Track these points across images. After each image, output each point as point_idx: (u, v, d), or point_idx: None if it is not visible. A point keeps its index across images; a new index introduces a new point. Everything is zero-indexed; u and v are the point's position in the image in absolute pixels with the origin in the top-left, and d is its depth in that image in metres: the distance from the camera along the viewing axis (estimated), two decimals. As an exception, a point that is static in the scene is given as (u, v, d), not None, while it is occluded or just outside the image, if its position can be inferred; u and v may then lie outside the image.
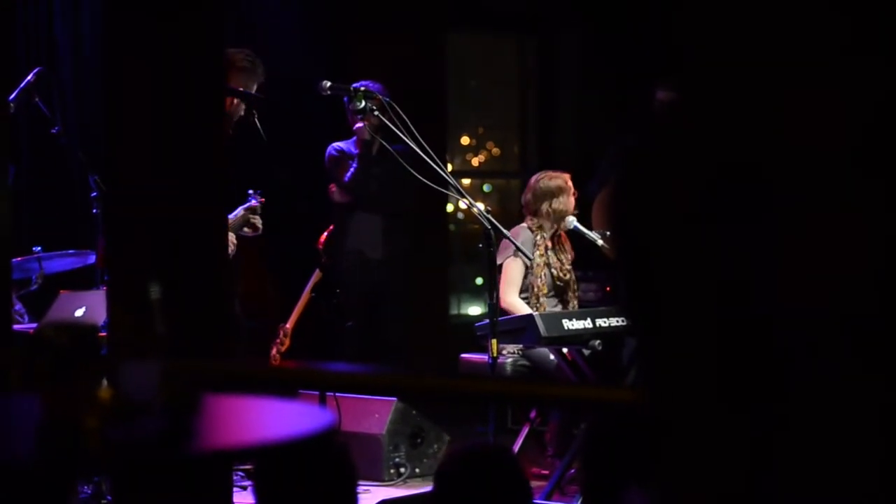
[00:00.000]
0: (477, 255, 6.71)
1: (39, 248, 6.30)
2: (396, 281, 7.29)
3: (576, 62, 9.60)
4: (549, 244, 6.47)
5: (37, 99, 6.01)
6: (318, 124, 7.99)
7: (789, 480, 1.00)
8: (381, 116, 5.85)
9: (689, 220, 1.04)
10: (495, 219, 5.80)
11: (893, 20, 0.98)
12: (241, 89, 6.06)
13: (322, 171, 7.20)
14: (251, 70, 6.15)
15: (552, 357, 6.12)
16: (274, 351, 6.82)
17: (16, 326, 5.62)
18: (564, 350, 5.97)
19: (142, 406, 2.11)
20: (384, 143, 6.28)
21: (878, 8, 0.99)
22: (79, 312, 5.73)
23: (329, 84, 5.90)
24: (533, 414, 6.34)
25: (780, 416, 1.00)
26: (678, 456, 1.07)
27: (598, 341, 5.80)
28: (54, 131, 6.08)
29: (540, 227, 6.42)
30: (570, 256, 6.57)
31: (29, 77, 6.02)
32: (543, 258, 6.40)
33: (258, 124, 5.91)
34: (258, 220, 6.23)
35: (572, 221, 6.35)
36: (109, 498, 5.21)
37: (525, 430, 6.23)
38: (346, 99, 6.62)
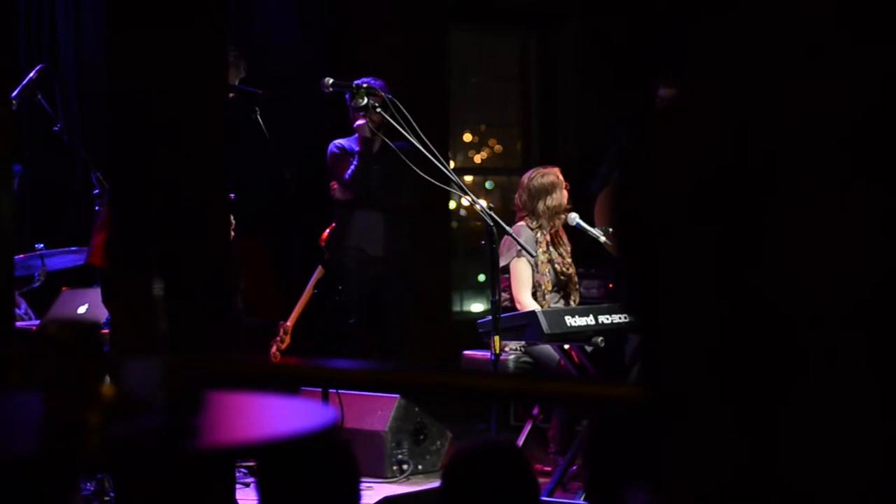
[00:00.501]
0: (479, 251, 6.73)
1: (42, 245, 6.30)
2: (398, 278, 7.29)
3: (577, 58, 9.60)
4: (549, 240, 6.47)
5: (39, 96, 6.02)
6: (320, 121, 7.99)
7: (792, 478, 1.00)
8: (383, 113, 5.85)
9: (691, 216, 1.04)
10: (498, 215, 5.80)
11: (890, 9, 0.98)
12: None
13: (324, 167, 7.21)
14: (235, 65, 6.14)
15: (555, 354, 6.12)
16: (274, 348, 6.82)
17: (19, 323, 5.63)
18: (567, 347, 5.97)
19: (144, 403, 2.11)
20: (386, 140, 6.28)
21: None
22: (81, 309, 5.74)
23: (331, 81, 5.90)
24: (535, 411, 6.34)
25: (784, 414, 1.00)
26: (681, 453, 1.07)
27: (600, 338, 5.80)
28: (56, 129, 6.08)
29: (539, 226, 6.42)
30: (568, 249, 6.57)
31: (31, 74, 6.03)
32: (546, 255, 6.40)
33: (260, 121, 5.91)
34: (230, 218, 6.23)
35: (575, 218, 6.35)
36: (112, 495, 5.21)
37: (528, 427, 6.23)
38: (347, 96, 6.63)
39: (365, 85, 6.03)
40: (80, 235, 6.52)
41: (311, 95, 7.42)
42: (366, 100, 5.96)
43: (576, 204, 6.52)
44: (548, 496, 5.53)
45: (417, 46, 8.81)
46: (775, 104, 1.01)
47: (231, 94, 5.98)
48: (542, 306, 6.21)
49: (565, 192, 6.44)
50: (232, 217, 6.19)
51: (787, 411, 1.00)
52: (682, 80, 1.08)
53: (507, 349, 6.16)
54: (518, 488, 3.00)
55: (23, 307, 6.26)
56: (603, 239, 6.19)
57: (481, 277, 9.45)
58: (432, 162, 5.57)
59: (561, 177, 6.45)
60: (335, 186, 7.13)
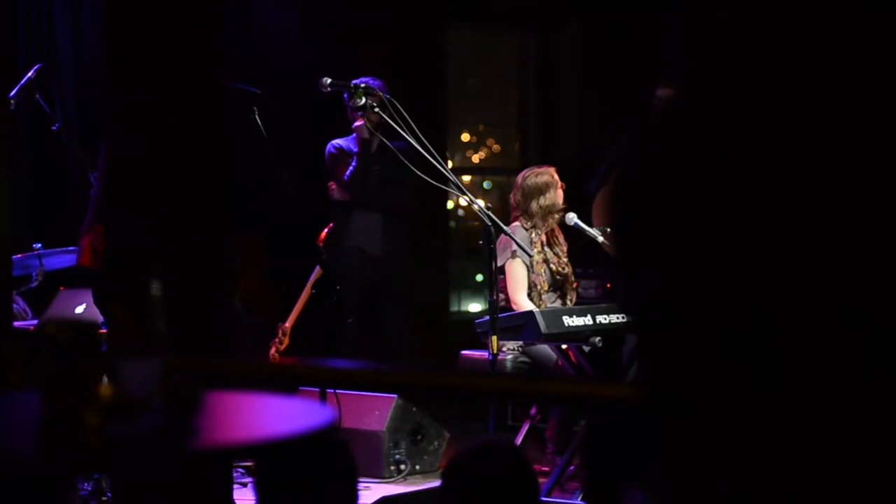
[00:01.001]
0: (477, 251, 6.71)
1: (40, 245, 6.30)
2: (396, 278, 7.29)
3: (576, 59, 9.60)
4: (545, 240, 6.47)
5: (37, 96, 6.02)
6: (319, 121, 7.99)
7: (791, 479, 1.00)
8: (382, 113, 5.84)
9: (690, 216, 1.04)
10: (496, 215, 5.80)
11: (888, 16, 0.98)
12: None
13: (322, 167, 7.20)
14: None
15: (552, 354, 6.12)
16: (273, 350, 6.82)
17: (17, 323, 5.63)
18: (564, 347, 5.97)
19: (142, 403, 2.12)
20: (384, 140, 6.27)
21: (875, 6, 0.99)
22: (79, 309, 5.74)
23: (329, 81, 5.90)
24: (533, 411, 6.34)
25: (782, 415, 1.00)
26: (678, 453, 1.07)
27: (598, 338, 5.80)
28: (55, 128, 6.08)
29: (534, 226, 6.43)
30: (564, 248, 6.58)
31: (29, 74, 6.03)
32: (541, 255, 6.41)
33: (258, 121, 5.91)
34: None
35: (573, 218, 6.35)
36: (109, 495, 5.21)
37: (525, 427, 6.23)
38: (346, 96, 6.62)
39: (363, 85, 6.03)
40: (78, 236, 6.51)
41: (309, 95, 7.42)
42: (364, 100, 5.96)
43: (574, 204, 6.52)
44: (546, 496, 5.53)
45: (416, 47, 8.82)
46: (775, 104, 1.01)
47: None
48: (538, 306, 6.21)
49: (560, 192, 6.44)
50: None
51: (787, 412, 1.00)
52: (680, 81, 1.08)
53: (504, 349, 6.16)
54: (518, 488, 3.00)
55: (21, 306, 6.26)
56: (601, 239, 6.20)
57: (479, 277, 9.45)
58: (430, 162, 5.57)
59: (556, 177, 6.45)
60: (333, 187, 7.13)
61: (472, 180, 9.81)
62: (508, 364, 6.23)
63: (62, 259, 6.36)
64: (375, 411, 6.39)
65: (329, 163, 7.11)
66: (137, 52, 3.62)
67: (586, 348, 5.88)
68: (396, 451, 6.36)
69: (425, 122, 5.85)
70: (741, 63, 1.03)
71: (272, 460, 2.90)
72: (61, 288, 5.97)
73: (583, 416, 6.16)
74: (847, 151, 0.98)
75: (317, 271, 6.73)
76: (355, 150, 6.99)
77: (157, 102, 3.60)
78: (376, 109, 5.92)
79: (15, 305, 6.04)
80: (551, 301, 6.41)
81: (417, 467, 6.42)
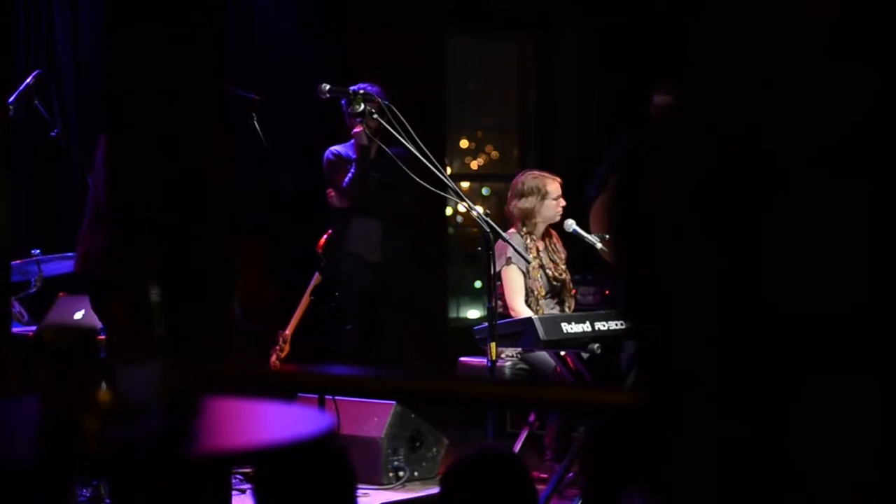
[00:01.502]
0: (476, 258, 6.72)
1: (38, 251, 6.30)
2: (395, 284, 7.29)
3: (575, 65, 9.60)
4: (541, 246, 6.48)
5: (36, 101, 6.02)
6: (317, 127, 7.99)
7: (791, 479, 1.00)
8: (380, 119, 5.84)
9: (690, 221, 1.04)
10: (494, 222, 5.80)
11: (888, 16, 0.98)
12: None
13: (320, 173, 7.20)
14: None
15: (551, 360, 6.12)
16: (274, 357, 6.82)
17: (16, 328, 5.62)
18: (563, 353, 5.97)
19: (140, 408, 2.11)
20: (382, 147, 6.27)
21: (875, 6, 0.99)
22: (78, 315, 5.73)
23: (328, 87, 5.90)
24: (532, 417, 6.34)
25: (782, 415, 1.00)
26: (678, 454, 1.07)
27: (596, 345, 5.80)
28: (53, 134, 6.08)
29: (529, 232, 6.44)
30: (563, 256, 6.58)
31: (28, 79, 6.03)
32: (537, 260, 6.41)
33: (257, 127, 5.91)
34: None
35: (571, 225, 6.35)
36: (108, 501, 5.21)
37: (524, 434, 6.22)
38: (344, 102, 6.62)
39: (362, 91, 6.03)
40: (76, 241, 6.51)
41: (307, 101, 7.42)
42: (362, 106, 5.96)
43: (573, 210, 6.52)
44: (544, 503, 5.53)
45: (415, 52, 8.82)
46: (774, 105, 1.01)
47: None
48: (535, 312, 6.22)
49: (550, 202, 6.43)
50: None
51: (787, 412, 1.00)
52: (680, 81, 1.08)
53: (503, 356, 6.16)
54: (516, 495, 3.00)
55: (16, 308, 6.25)
56: (599, 245, 6.19)
57: (478, 284, 9.45)
58: (429, 168, 5.57)
59: (551, 188, 6.44)
60: (332, 193, 7.13)
61: (470, 187, 9.81)
62: (507, 370, 6.22)
63: (61, 265, 6.36)
64: (374, 418, 6.39)
65: (327, 169, 7.10)
66: (137, 52, 3.62)
67: (585, 355, 5.88)
68: (395, 458, 6.36)
69: (424, 128, 5.85)
70: (741, 63, 1.03)
71: (271, 466, 2.90)
72: (60, 294, 5.96)
73: (581, 423, 6.15)
74: (847, 151, 0.98)
75: (316, 278, 6.72)
76: (354, 156, 6.99)
77: (156, 103, 3.60)
78: (375, 116, 5.92)
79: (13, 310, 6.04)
80: (549, 307, 6.41)
81: (416, 474, 6.41)
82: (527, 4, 9.55)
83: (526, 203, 6.43)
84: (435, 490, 5.80)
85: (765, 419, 1.01)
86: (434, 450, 6.53)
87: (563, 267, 6.54)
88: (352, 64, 8.21)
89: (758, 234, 1.00)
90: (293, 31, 8.33)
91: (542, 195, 6.43)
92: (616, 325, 5.85)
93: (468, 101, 9.78)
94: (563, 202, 6.46)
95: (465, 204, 5.84)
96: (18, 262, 6.10)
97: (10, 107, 5.62)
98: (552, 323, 5.76)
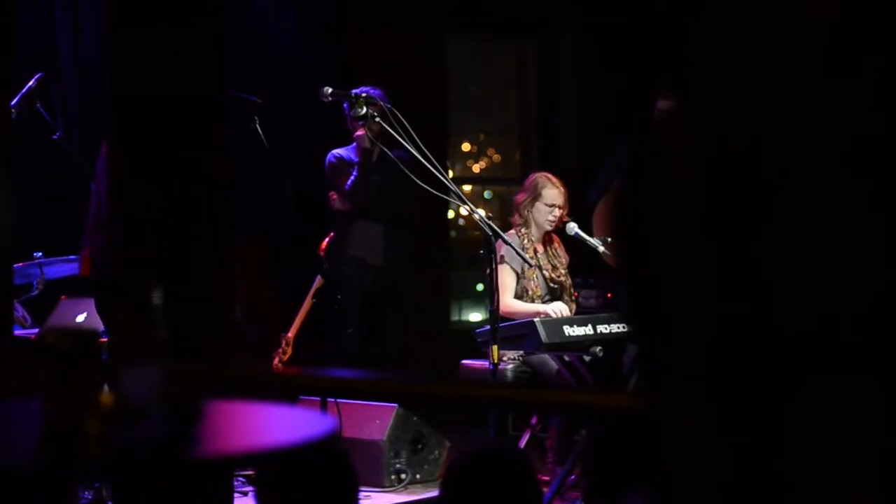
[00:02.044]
0: (478, 261, 6.72)
1: (41, 254, 6.30)
2: (397, 287, 7.29)
3: (576, 68, 9.61)
4: (539, 248, 6.49)
5: (38, 104, 6.02)
6: (319, 130, 7.99)
7: (791, 480, 1.00)
8: (382, 122, 5.84)
9: (691, 225, 1.04)
10: (496, 225, 5.80)
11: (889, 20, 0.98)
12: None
13: (322, 177, 7.21)
14: None
15: (553, 363, 6.12)
16: (276, 360, 6.82)
17: (18, 331, 5.63)
18: (565, 356, 5.97)
19: (143, 411, 2.12)
20: (384, 150, 6.28)
21: (879, 8, 0.99)
22: (80, 318, 5.73)
23: (330, 90, 5.90)
24: (534, 420, 6.34)
25: (784, 424, 1.00)
26: (678, 464, 1.07)
27: (599, 348, 5.80)
28: (56, 137, 6.08)
29: (527, 233, 6.46)
30: (564, 260, 6.58)
31: (30, 83, 6.03)
32: (534, 260, 6.42)
33: (259, 130, 5.91)
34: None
35: (573, 228, 6.35)
36: (110, 503, 5.20)
37: (526, 437, 6.23)
38: (346, 105, 6.63)
39: (364, 94, 6.03)
40: (79, 244, 6.52)
41: (309, 104, 7.42)
42: (365, 109, 5.96)
43: (575, 213, 6.52)
44: (546, 506, 5.53)
45: (416, 55, 8.82)
46: (776, 110, 1.01)
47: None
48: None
49: (541, 207, 6.45)
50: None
51: (787, 421, 1.00)
52: (681, 87, 1.08)
53: (505, 358, 6.16)
54: (521, 492, 2.99)
55: (20, 313, 6.26)
56: (601, 248, 6.20)
57: (479, 287, 9.45)
58: (431, 171, 5.57)
59: (546, 190, 6.45)
60: (334, 197, 7.13)
61: (472, 190, 9.82)
62: (509, 373, 6.23)
63: (63, 268, 6.36)
64: (376, 420, 6.39)
65: (329, 173, 7.10)
66: (139, 55, 3.62)
67: (587, 358, 5.88)
68: (397, 461, 6.36)
69: (426, 131, 5.85)
70: (741, 65, 1.03)
71: (273, 469, 2.90)
72: (62, 296, 5.96)
73: (583, 426, 6.15)
74: (847, 151, 0.98)
75: (318, 281, 6.73)
76: (356, 159, 6.99)
77: (158, 106, 3.60)
78: (377, 119, 5.92)
79: (14, 313, 6.04)
80: (546, 310, 6.42)
81: (418, 476, 6.41)
82: (527, 6, 9.55)
83: (521, 197, 6.50)
84: (437, 493, 5.81)
85: (764, 420, 1.01)
86: (436, 452, 6.53)
87: (564, 271, 6.54)
88: (353, 67, 8.21)
89: (759, 237, 1.00)
90: (295, 34, 8.33)
91: (535, 196, 6.45)
92: (618, 327, 5.85)
93: (470, 104, 9.78)
94: (557, 213, 6.45)
95: (466, 207, 5.84)
96: (20, 264, 6.10)
97: (13, 110, 5.62)
98: (554, 326, 5.77)
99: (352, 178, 6.98)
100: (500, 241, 6.00)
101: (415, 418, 6.47)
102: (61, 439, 2.03)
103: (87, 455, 2.03)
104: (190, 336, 3.32)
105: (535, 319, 5.83)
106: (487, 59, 9.89)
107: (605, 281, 7.61)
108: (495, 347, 5.49)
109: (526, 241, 6.43)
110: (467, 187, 9.68)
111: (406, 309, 7.43)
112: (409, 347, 7.47)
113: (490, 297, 5.62)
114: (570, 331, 5.77)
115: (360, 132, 6.83)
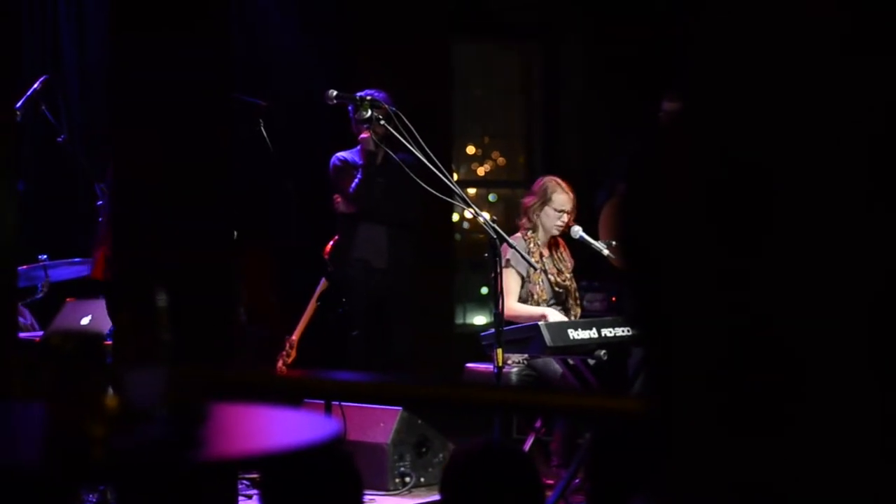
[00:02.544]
0: (482, 264, 6.72)
1: (45, 257, 6.30)
2: (402, 290, 7.29)
3: (580, 71, 9.60)
4: (545, 252, 6.49)
5: (43, 107, 6.03)
6: (324, 133, 8.00)
7: (791, 480, 1.00)
8: (387, 125, 5.84)
9: (696, 229, 1.04)
10: (501, 228, 5.80)
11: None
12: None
13: (327, 179, 7.21)
14: None
15: (558, 367, 6.11)
16: (280, 363, 6.82)
17: (23, 335, 5.63)
18: (570, 360, 5.97)
19: (147, 414, 2.11)
20: (389, 153, 6.28)
21: (882, 6, 0.99)
22: (85, 321, 5.73)
23: (335, 93, 5.90)
24: (538, 423, 6.33)
25: (786, 425, 1.00)
26: (683, 467, 1.07)
27: (603, 351, 5.79)
28: (60, 139, 6.09)
29: (533, 237, 6.45)
30: (569, 264, 6.58)
31: (35, 85, 6.04)
32: (539, 264, 6.42)
33: (264, 133, 5.91)
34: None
35: (578, 231, 6.35)
36: (114, 506, 5.20)
37: (530, 440, 6.22)
38: (351, 108, 6.63)
39: (368, 97, 6.03)
40: (83, 246, 6.52)
41: (314, 107, 7.42)
42: (369, 112, 5.96)
43: (579, 216, 6.52)
44: (550, 509, 5.52)
45: (421, 58, 8.82)
46: (780, 113, 1.01)
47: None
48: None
49: (550, 211, 6.44)
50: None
51: (789, 423, 1.00)
52: (685, 90, 1.08)
53: (509, 362, 6.16)
54: (523, 493, 2.98)
55: (28, 321, 6.26)
56: (606, 252, 6.19)
57: (484, 290, 9.45)
58: (436, 174, 5.57)
59: (556, 195, 6.45)
60: (339, 199, 7.13)
61: (477, 193, 9.81)
62: (513, 377, 6.22)
63: (68, 270, 6.36)
64: (380, 424, 6.39)
65: (334, 175, 7.11)
66: (143, 57, 3.62)
67: (591, 361, 5.88)
68: (401, 464, 6.35)
69: (430, 134, 5.85)
70: (744, 66, 1.03)
71: (277, 472, 2.90)
72: (67, 299, 5.97)
73: (588, 429, 6.14)
74: (847, 151, 0.98)
75: (322, 283, 6.73)
76: (360, 162, 6.99)
77: (162, 108, 3.60)
78: (382, 122, 5.92)
79: (22, 319, 6.05)
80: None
81: (422, 480, 6.41)
82: (532, 10, 9.55)
83: (530, 200, 6.48)
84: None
85: (767, 431, 1.00)
86: (440, 455, 6.53)
87: (569, 275, 6.54)
88: (358, 70, 8.21)
89: (763, 239, 1.00)
90: (299, 37, 8.34)
91: (545, 200, 6.45)
92: (623, 331, 5.84)
93: (474, 107, 9.78)
94: (566, 218, 6.45)
95: (471, 210, 5.84)
96: (25, 267, 6.10)
97: (17, 112, 5.62)
98: (559, 329, 5.76)
99: (356, 180, 6.98)
100: (505, 244, 6.00)
101: (419, 421, 6.47)
102: (65, 442, 2.02)
103: (90, 458, 2.03)
104: (194, 338, 3.32)
105: (540, 323, 5.83)
106: (492, 61, 9.89)
107: (609, 284, 7.60)
108: (500, 350, 5.49)
109: (532, 245, 6.43)
110: (472, 190, 9.67)
111: (410, 312, 7.43)
112: (413, 350, 7.47)
113: (494, 300, 5.62)
114: (574, 334, 5.76)
115: (364, 135, 6.83)
